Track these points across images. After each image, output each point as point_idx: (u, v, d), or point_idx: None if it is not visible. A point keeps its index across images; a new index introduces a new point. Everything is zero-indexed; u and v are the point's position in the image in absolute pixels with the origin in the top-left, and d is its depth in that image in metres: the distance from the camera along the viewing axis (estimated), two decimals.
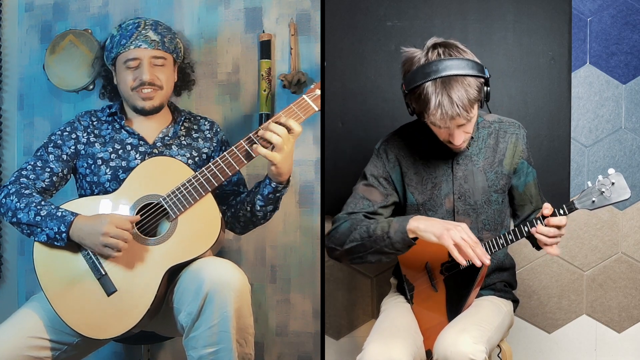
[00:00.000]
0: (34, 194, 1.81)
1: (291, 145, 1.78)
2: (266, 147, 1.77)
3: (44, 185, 1.87)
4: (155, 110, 1.95)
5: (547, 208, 1.65)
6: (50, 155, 1.90)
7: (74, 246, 1.77)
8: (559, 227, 1.66)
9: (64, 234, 1.73)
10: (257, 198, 1.88)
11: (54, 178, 1.90)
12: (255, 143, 1.79)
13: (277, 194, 1.87)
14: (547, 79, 2.36)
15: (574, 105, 2.40)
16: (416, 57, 1.71)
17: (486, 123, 1.89)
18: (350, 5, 2.40)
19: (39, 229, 1.75)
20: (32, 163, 1.89)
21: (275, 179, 1.83)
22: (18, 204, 1.78)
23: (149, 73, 1.89)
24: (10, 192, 1.81)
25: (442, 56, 1.67)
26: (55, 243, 1.75)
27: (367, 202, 1.87)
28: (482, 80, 1.69)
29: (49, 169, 1.89)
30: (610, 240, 2.44)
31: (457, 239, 1.62)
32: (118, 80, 1.96)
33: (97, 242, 1.70)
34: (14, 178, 1.86)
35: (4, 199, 1.81)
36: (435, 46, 1.70)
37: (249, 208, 1.90)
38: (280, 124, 1.77)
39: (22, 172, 1.87)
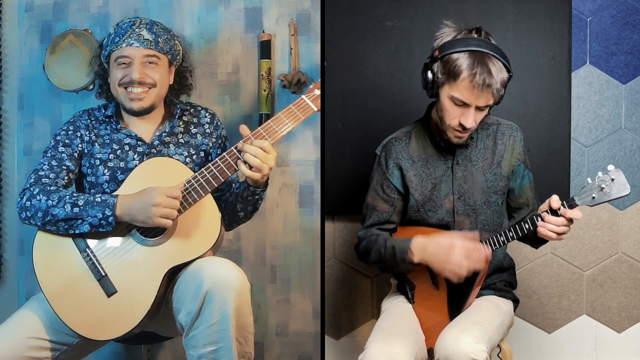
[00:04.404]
0: (60, 189, 1.80)
1: (273, 162, 1.78)
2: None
3: (64, 183, 1.86)
4: (146, 111, 1.94)
5: (555, 201, 1.66)
6: (63, 154, 1.89)
7: (73, 247, 1.77)
8: (570, 220, 1.66)
9: (111, 218, 1.72)
10: (237, 200, 1.90)
11: (71, 175, 1.89)
12: (239, 159, 1.79)
13: (256, 197, 1.89)
14: (547, 79, 2.36)
15: (574, 105, 2.40)
16: (456, 31, 1.77)
17: (485, 125, 1.90)
18: (350, 5, 2.40)
19: (80, 220, 1.74)
20: (47, 163, 1.87)
21: (252, 185, 1.85)
22: (49, 201, 1.75)
23: (138, 72, 1.88)
24: (35, 193, 1.78)
25: (482, 37, 1.74)
26: (101, 229, 1.74)
27: (377, 213, 1.94)
28: (508, 77, 1.74)
29: (65, 167, 1.88)
30: (610, 240, 2.44)
31: (458, 273, 1.70)
32: (110, 80, 1.95)
33: (151, 214, 1.69)
34: (33, 180, 1.83)
35: (28, 202, 1.78)
36: (477, 29, 1.76)
37: (230, 208, 1.92)
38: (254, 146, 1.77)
39: (40, 173, 1.85)
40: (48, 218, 1.75)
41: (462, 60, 1.70)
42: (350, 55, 2.41)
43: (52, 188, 1.79)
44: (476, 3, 2.36)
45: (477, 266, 1.70)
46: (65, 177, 1.87)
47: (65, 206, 1.74)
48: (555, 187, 2.35)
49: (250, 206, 1.92)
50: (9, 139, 2.55)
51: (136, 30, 1.90)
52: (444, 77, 1.74)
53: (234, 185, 2.02)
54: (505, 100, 2.32)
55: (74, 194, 1.77)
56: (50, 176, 1.85)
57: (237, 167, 1.78)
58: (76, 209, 1.73)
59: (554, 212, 1.67)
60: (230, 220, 1.97)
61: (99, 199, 1.74)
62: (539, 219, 1.68)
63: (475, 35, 1.75)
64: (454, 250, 1.70)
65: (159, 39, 1.92)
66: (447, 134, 1.81)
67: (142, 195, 1.72)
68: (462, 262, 1.69)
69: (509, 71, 1.73)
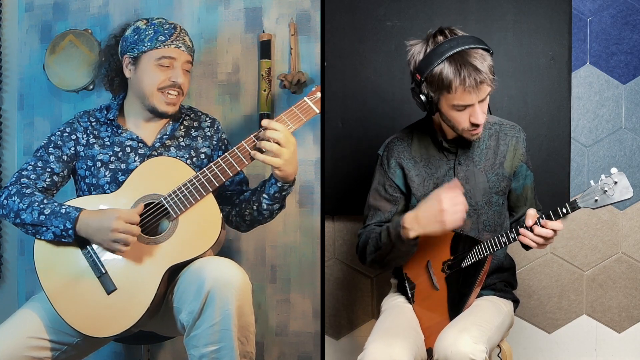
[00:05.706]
0: (35, 192, 1.81)
1: (292, 147, 1.78)
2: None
3: (45, 185, 1.87)
4: (172, 116, 1.95)
5: (530, 218, 1.66)
6: (51, 156, 1.90)
7: (75, 244, 1.77)
8: (554, 231, 1.66)
9: (70, 231, 1.73)
10: (263, 197, 1.88)
11: (55, 178, 1.89)
12: (256, 146, 1.79)
13: (283, 193, 1.87)
14: (547, 79, 2.36)
15: (574, 105, 2.40)
16: (423, 45, 1.75)
17: (487, 124, 1.89)
18: (350, 5, 2.40)
19: (44, 228, 1.75)
20: (33, 163, 1.89)
21: (280, 180, 1.83)
22: (20, 204, 1.78)
23: (182, 76, 1.90)
24: (12, 193, 1.81)
25: (448, 36, 1.72)
26: (63, 240, 1.75)
27: (379, 213, 1.92)
28: (491, 59, 1.73)
29: (49, 169, 1.89)
30: (610, 240, 2.44)
31: (460, 216, 1.69)
32: (140, 76, 1.90)
33: (106, 238, 1.70)
34: (14, 179, 1.86)
35: (5, 201, 1.81)
36: (436, 33, 1.74)
37: (255, 207, 1.90)
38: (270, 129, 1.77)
39: (23, 173, 1.87)
40: (17, 220, 1.78)
41: (445, 70, 1.68)
42: (350, 55, 2.41)
43: (27, 191, 1.81)
44: (476, 3, 2.36)
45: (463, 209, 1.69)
46: (48, 180, 1.88)
47: (33, 212, 1.76)
48: (555, 187, 2.36)
49: (278, 203, 1.90)
50: (9, 139, 2.55)
51: (181, 34, 1.92)
52: (437, 94, 1.74)
53: (244, 186, 2.02)
54: (505, 100, 2.34)
55: (44, 201, 1.78)
56: (31, 177, 1.86)
57: (254, 157, 1.77)
58: (42, 217, 1.75)
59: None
60: (252, 220, 1.94)
61: (63, 210, 1.75)
62: (538, 221, 1.68)
63: (442, 38, 1.72)
64: (443, 202, 1.68)
65: (193, 48, 1.97)
66: (463, 136, 1.81)
67: (102, 217, 1.72)
68: (456, 207, 1.68)
69: (488, 51, 1.72)
